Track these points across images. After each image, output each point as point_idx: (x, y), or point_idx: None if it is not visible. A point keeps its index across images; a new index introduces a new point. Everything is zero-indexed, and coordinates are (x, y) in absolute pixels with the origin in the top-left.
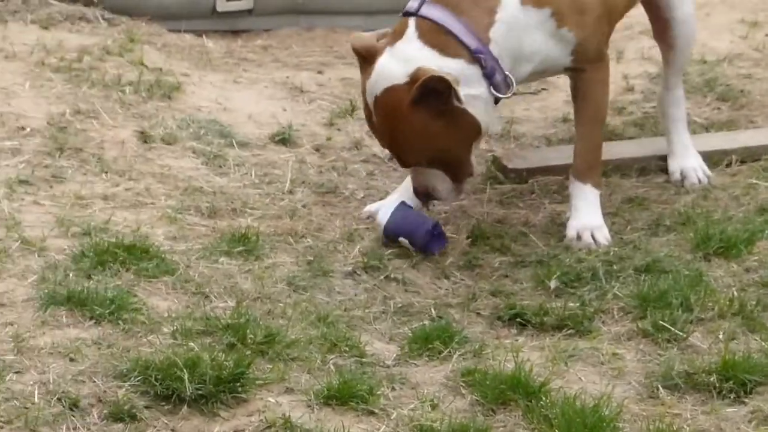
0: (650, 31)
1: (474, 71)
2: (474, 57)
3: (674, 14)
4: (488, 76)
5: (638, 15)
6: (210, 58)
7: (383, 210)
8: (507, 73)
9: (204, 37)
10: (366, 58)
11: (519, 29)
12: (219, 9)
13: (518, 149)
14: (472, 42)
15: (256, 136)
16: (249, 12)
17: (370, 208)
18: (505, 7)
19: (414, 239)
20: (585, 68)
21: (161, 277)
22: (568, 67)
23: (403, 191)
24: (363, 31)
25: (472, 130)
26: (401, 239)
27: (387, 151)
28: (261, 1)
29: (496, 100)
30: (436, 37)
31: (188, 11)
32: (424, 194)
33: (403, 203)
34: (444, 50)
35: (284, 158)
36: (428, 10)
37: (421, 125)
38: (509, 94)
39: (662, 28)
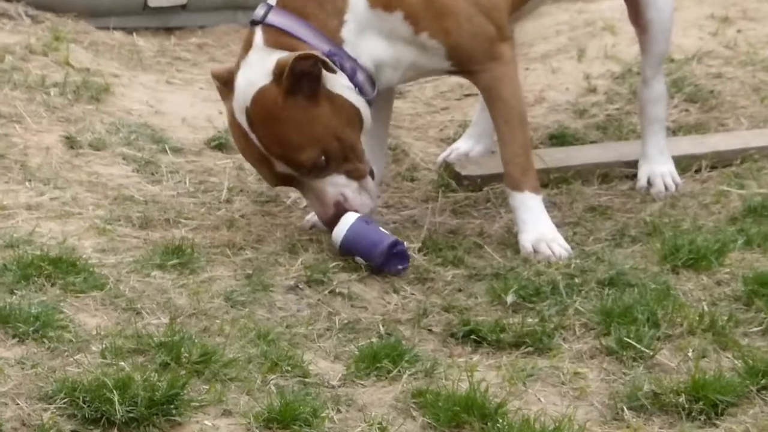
0: (613, 28)
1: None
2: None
3: None
4: (350, 77)
5: (599, 10)
6: (141, 58)
7: (340, 224)
8: (368, 71)
9: (135, 34)
10: (227, 82)
11: (370, 32)
12: (151, 4)
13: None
14: (323, 45)
15: (191, 141)
16: (183, 7)
17: (312, 217)
18: (352, 9)
19: (370, 259)
20: (476, 70)
21: (90, 292)
22: (454, 71)
23: None
24: None
25: (354, 115)
26: (357, 259)
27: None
28: None
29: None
30: (286, 42)
31: (118, 7)
32: (334, 209)
33: (361, 217)
34: (296, 50)
35: (221, 165)
36: (274, 17)
37: (302, 114)
38: (374, 94)
39: (634, 9)
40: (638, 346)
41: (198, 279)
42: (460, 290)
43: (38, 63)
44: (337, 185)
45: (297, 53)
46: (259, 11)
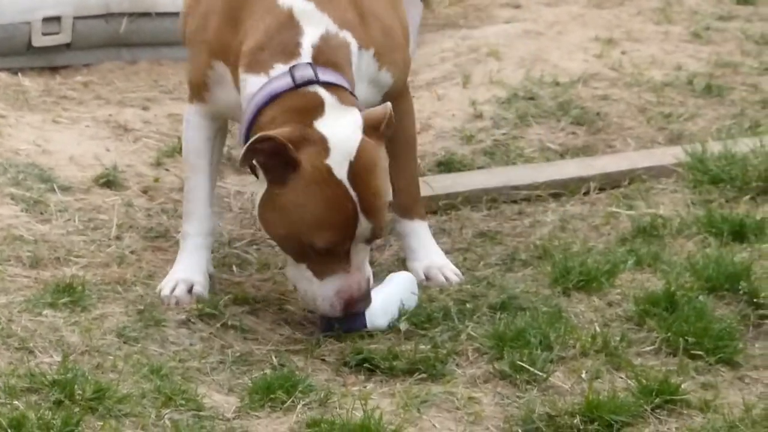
0: (497, 53)
1: None
2: None
3: None
4: None
5: (483, 36)
6: (27, 98)
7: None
8: None
9: (20, 74)
10: (297, 144)
11: (358, 77)
12: (35, 44)
13: None
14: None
15: (79, 179)
16: (67, 46)
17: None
18: (354, 54)
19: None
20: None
21: None
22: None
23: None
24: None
25: None
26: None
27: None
28: (80, 33)
29: None
30: (347, 97)
31: (2, 48)
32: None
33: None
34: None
35: (110, 202)
36: (326, 76)
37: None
38: None
39: None
40: (532, 369)
41: (90, 316)
42: None
43: None
44: (367, 253)
45: (387, 106)
46: (307, 71)
